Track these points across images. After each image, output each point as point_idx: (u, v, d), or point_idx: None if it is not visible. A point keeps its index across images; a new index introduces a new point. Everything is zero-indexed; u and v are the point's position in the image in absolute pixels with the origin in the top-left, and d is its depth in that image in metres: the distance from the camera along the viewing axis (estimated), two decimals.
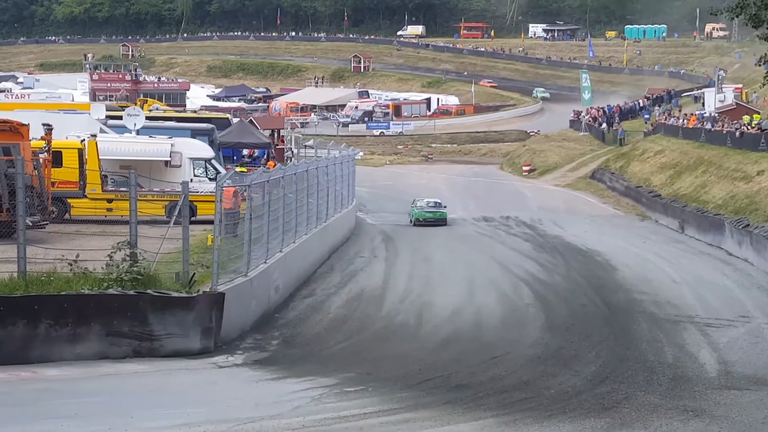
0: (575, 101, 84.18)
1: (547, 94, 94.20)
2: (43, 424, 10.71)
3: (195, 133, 33.07)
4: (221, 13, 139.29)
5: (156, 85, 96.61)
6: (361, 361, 15.54)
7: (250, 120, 50.88)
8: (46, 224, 21.40)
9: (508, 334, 17.97)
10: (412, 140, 75.96)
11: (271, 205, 19.25)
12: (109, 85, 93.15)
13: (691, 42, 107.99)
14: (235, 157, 39.51)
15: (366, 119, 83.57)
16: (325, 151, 33.09)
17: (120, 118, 32.70)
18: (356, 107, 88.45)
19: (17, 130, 21.55)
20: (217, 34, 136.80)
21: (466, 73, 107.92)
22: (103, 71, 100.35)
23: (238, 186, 19.62)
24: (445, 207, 36.50)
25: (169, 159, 27.65)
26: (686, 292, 22.86)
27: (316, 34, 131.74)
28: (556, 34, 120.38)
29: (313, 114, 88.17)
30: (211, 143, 32.44)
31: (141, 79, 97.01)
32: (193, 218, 18.60)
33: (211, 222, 17.38)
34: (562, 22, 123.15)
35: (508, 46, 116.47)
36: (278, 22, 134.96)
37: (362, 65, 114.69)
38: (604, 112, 67.42)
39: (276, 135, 50.09)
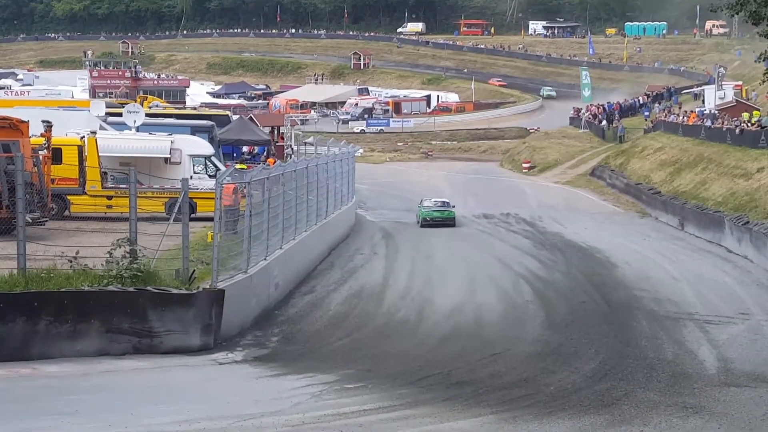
0: (575, 98, 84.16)
1: (553, 93, 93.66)
2: (43, 421, 10.72)
3: (195, 130, 33.11)
4: (221, 10, 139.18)
5: (156, 82, 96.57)
6: (361, 358, 15.54)
7: (250, 117, 50.88)
8: (46, 221, 21.42)
9: (508, 331, 17.98)
10: (412, 137, 75.96)
11: (271, 202, 19.25)
12: (108, 82, 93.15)
13: (691, 39, 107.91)
14: (234, 154, 39.52)
15: (366, 116, 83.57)
16: (324, 148, 33.06)
17: (120, 115, 32.71)
18: (356, 104, 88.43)
19: (17, 127, 21.58)
20: (217, 31, 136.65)
21: (466, 70, 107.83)
22: (102, 68, 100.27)
23: (237, 183, 19.64)
24: (453, 207, 35.66)
25: (169, 156, 27.68)
26: (686, 289, 22.87)
27: (316, 31, 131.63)
28: (556, 32, 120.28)
29: (312, 111, 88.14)
30: (211, 140, 32.46)
31: (141, 76, 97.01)
32: (192, 215, 18.60)
33: (210, 219, 17.38)
34: (562, 19, 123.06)
35: (508, 43, 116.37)
36: (278, 19, 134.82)
37: (362, 62, 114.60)
38: (604, 109, 67.42)
39: (276, 132, 50.10)
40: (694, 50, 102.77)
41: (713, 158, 38.55)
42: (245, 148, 41.87)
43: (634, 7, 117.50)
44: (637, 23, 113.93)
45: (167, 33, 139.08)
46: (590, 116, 66.49)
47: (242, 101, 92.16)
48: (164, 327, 14.86)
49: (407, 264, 25.93)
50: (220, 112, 53.22)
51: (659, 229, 34.93)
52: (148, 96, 65.61)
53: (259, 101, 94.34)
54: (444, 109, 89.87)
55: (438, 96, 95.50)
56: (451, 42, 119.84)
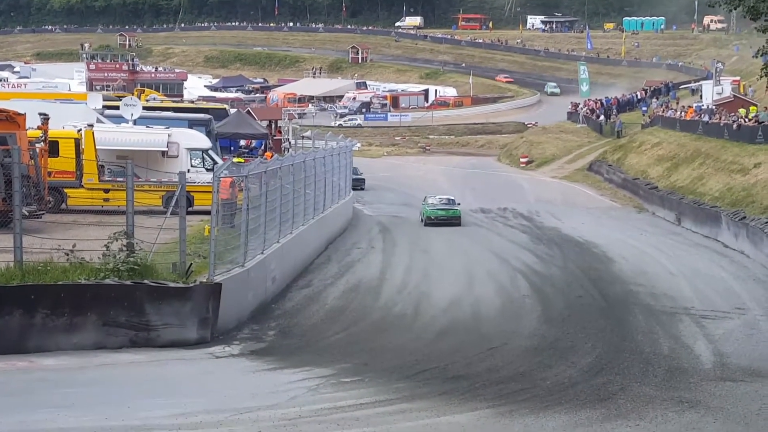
0: (573, 93, 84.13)
1: (557, 90, 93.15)
2: (40, 414, 10.71)
3: (192, 124, 33.06)
4: (219, 3, 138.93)
5: (153, 75, 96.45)
6: (358, 352, 15.54)
7: (248, 111, 50.88)
8: (43, 214, 21.40)
9: (505, 325, 17.99)
10: (410, 132, 75.94)
11: (268, 196, 19.24)
12: (106, 74, 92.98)
13: (689, 34, 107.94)
14: (232, 148, 39.54)
15: (363, 110, 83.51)
16: (322, 142, 33.03)
17: (117, 108, 32.67)
18: (354, 98, 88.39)
19: (14, 119, 21.54)
20: (215, 24, 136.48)
21: (464, 64, 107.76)
22: (100, 61, 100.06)
23: (235, 177, 19.64)
24: (458, 204, 34.03)
25: (166, 149, 27.63)
26: (682, 283, 22.89)
27: (314, 25, 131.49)
28: (554, 26, 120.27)
29: (310, 105, 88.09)
30: (209, 134, 32.43)
31: (138, 69, 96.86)
32: (190, 209, 18.57)
33: (208, 212, 17.38)
34: (560, 14, 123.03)
35: (506, 37, 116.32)
36: (276, 12, 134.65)
37: (360, 56, 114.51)
38: (601, 104, 67.43)
39: (273, 126, 50.09)
40: (692, 45, 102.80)
41: (710, 153, 38.57)
42: (243, 142, 41.88)
43: (632, 2, 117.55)
44: (635, 18, 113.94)
45: (165, 26, 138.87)
46: (588, 111, 66.48)
47: (240, 95, 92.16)
48: (161, 320, 14.86)
49: (404, 258, 25.94)
50: (218, 105, 53.19)
51: (656, 224, 34.96)
52: (146, 89, 65.61)
53: (257, 95, 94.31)
54: (442, 104, 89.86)
55: (436, 90, 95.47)
56: (449, 36, 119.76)
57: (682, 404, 12.73)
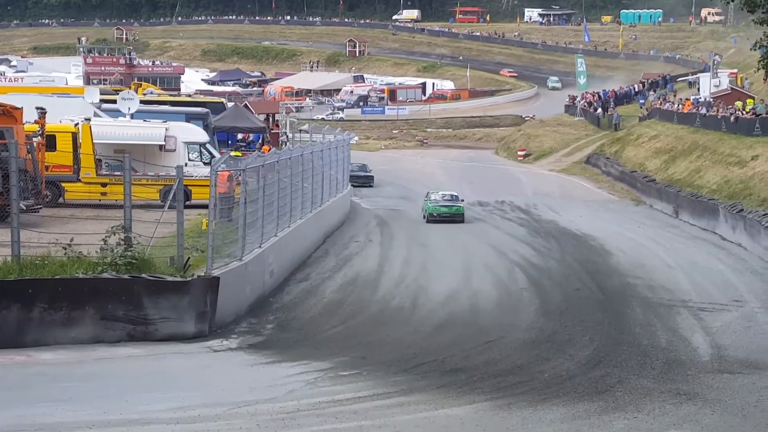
0: (571, 86, 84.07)
1: (558, 85, 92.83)
2: (38, 408, 10.71)
3: (189, 117, 33.03)
4: None
5: (150, 68, 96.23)
6: (356, 345, 15.56)
7: (245, 104, 50.76)
8: (40, 208, 21.39)
9: (503, 318, 18.02)
10: (408, 125, 75.86)
11: (266, 190, 19.23)
12: (103, 68, 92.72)
13: (686, 27, 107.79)
14: (229, 142, 39.51)
15: (361, 104, 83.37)
16: (320, 135, 32.97)
17: (114, 101, 32.63)
18: (351, 92, 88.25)
19: (11, 113, 21.50)
20: (212, 17, 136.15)
21: (461, 57, 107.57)
22: (97, 55, 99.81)
23: (232, 170, 19.62)
24: (462, 201, 33.26)
25: (164, 143, 27.61)
26: (680, 276, 22.94)
27: (311, 18, 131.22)
28: (551, 19, 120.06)
29: (308, 98, 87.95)
30: (206, 127, 32.39)
31: (135, 62, 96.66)
32: (187, 202, 18.58)
33: (205, 206, 17.36)
34: (557, 7, 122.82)
35: (504, 30, 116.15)
36: (273, 5, 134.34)
37: (357, 50, 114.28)
38: (599, 96, 67.34)
39: (271, 119, 50.03)
40: (690, 38, 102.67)
41: (708, 146, 38.59)
42: (240, 136, 41.83)
43: None
44: (633, 11, 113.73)
45: (162, 19, 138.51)
46: (585, 104, 66.44)
47: (237, 88, 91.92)
48: (159, 314, 14.86)
49: (402, 251, 25.95)
50: (215, 99, 53.11)
51: (654, 217, 35.00)
52: (143, 83, 65.43)
53: (254, 88, 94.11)
54: (439, 97, 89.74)
55: (433, 83, 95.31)
56: (446, 29, 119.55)
57: (680, 396, 12.76)
